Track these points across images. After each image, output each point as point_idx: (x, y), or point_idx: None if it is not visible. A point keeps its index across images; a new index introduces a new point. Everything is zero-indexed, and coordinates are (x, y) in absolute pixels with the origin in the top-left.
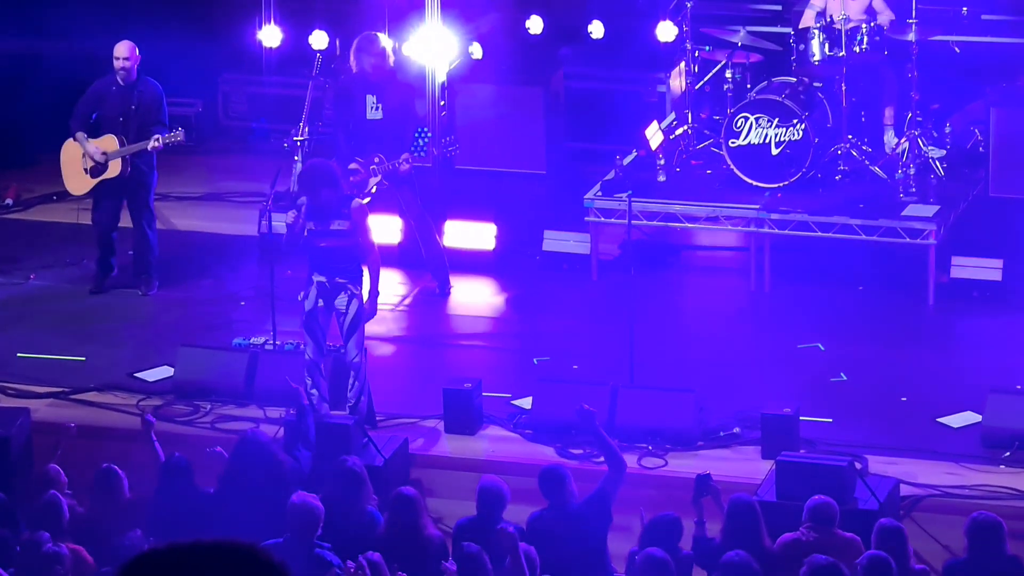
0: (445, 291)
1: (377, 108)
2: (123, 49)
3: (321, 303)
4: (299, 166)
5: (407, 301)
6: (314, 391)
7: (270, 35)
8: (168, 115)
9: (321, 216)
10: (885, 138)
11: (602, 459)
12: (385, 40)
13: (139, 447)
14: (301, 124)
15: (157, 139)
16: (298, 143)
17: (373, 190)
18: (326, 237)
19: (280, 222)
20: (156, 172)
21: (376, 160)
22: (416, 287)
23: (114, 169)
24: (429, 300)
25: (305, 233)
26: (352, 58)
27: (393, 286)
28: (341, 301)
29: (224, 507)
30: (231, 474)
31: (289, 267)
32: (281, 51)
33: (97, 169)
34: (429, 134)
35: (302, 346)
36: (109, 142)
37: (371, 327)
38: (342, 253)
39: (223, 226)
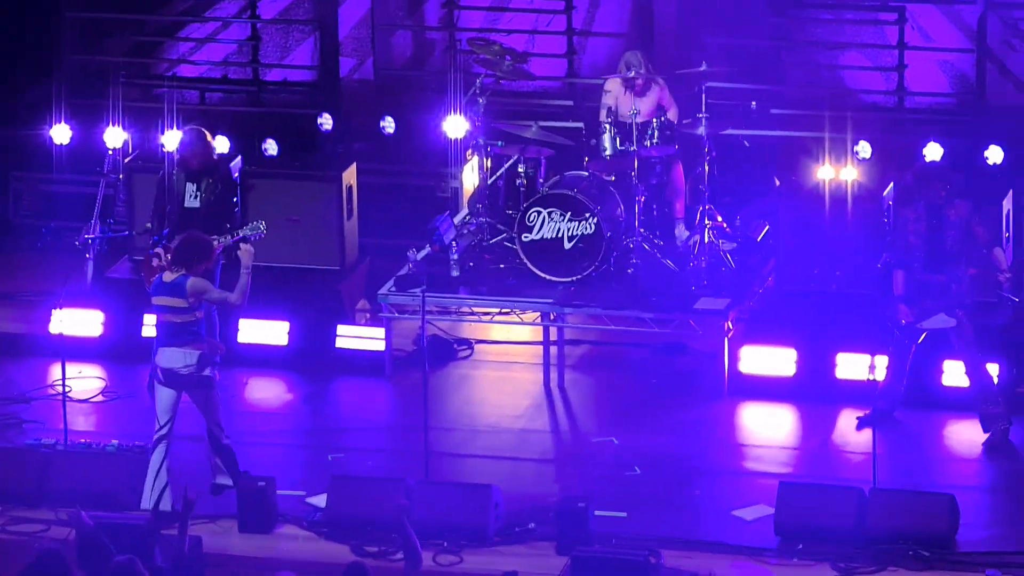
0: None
1: (195, 196)
2: None
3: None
4: (91, 264)
5: None
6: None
7: (60, 133)
8: None
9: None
10: (676, 231)
11: (399, 556)
12: (208, 136)
13: None
14: (92, 222)
15: None
16: (89, 241)
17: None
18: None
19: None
20: None
21: None
22: None
23: None
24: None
25: None
26: (178, 147)
27: None
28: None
29: None
30: None
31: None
32: (72, 148)
33: None
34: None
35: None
36: None
37: None
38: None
39: (13, 325)
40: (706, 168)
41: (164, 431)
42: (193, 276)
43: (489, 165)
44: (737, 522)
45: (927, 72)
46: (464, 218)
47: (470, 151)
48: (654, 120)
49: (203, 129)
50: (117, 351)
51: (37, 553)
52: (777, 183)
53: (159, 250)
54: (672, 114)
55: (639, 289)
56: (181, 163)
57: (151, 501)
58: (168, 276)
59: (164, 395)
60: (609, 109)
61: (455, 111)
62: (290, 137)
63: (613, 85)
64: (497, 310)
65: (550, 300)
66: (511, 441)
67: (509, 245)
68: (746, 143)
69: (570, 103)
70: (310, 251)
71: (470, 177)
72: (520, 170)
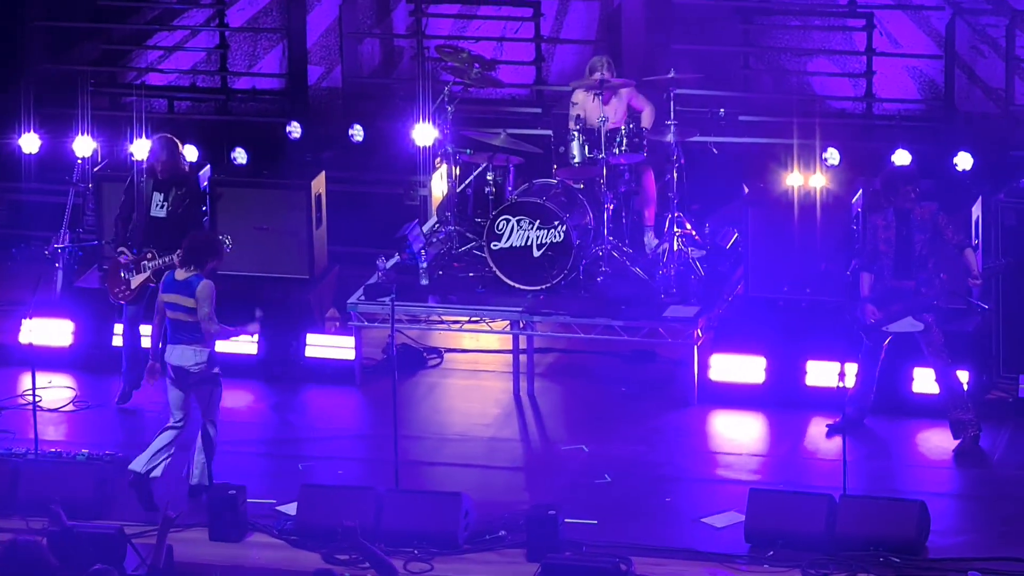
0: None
1: (162, 206)
2: None
3: None
4: (60, 274)
5: None
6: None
7: (29, 142)
8: None
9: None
10: (646, 239)
11: (368, 564)
12: (178, 144)
13: None
14: (62, 231)
15: None
16: (59, 250)
17: (135, 284)
18: None
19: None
20: None
21: (148, 256)
22: None
23: None
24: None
25: None
26: (147, 155)
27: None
28: None
29: None
30: None
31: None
32: (41, 157)
33: None
34: None
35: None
36: None
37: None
38: None
39: None
40: (675, 175)
41: (180, 424)
42: (205, 278)
43: (458, 173)
44: (707, 529)
45: (895, 78)
46: (433, 226)
47: (439, 159)
48: (623, 127)
49: (173, 138)
50: (87, 361)
51: (10, 541)
52: (746, 190)
53: (126, 260)
54: (647, 114)
55: (608, 297)
56: (149, 171)
57: (145, 467)
58: (180, 274)
59: (175, 393)
60: (578, 117)
61: (424, 119)
62: (259, 145)
63: (579, 96)
64: (466, 318)
65: (519, 308)
66: (481, 449)
67: (478, 253)
68: (715, 150)
69: (538, 110)
70: (279, 260)
71: (439, 185)
72: (489, 178)
